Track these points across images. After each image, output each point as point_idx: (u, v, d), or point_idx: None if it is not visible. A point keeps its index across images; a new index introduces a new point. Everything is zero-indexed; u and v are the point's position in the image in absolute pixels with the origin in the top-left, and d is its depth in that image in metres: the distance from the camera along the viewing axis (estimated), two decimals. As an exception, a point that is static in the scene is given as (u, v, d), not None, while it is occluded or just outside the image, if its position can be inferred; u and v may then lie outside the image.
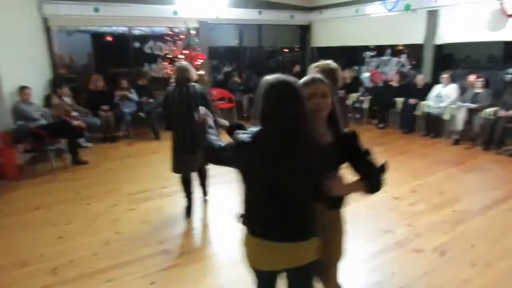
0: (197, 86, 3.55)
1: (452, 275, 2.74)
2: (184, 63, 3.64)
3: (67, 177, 5.08)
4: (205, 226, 3.68)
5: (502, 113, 5.78)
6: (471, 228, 3.47)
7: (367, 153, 1.66)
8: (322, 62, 2.79)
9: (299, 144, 1.44)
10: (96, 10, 7.04)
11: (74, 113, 6.32)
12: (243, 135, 1.50)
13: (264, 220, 1.54)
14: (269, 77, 1.48)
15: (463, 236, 3.33)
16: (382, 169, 1.65)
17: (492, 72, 7.25)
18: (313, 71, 2.77)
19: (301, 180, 1.48)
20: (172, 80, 7.30)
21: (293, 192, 1.49)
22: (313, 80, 1.64)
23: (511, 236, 3.30)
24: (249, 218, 1.59)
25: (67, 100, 6.44)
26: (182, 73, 3.53)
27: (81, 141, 6.25)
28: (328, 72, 2.70)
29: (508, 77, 7.52)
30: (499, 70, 7.58)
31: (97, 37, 8.20)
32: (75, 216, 3.87)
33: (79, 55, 8.21)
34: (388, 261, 2.94)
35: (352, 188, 1.61)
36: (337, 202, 1.77)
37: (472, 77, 6.61)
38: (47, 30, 6.95)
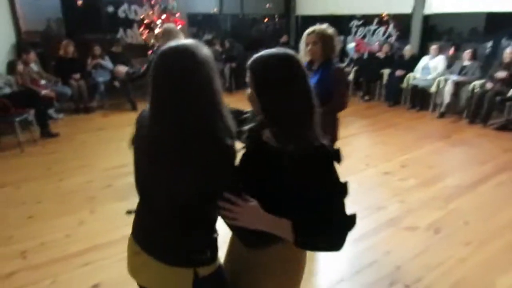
0: None
1: (448, 254, 2.65)
2: (171, 25, 3.27)
3: (36, 151, 4.70)
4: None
5: (489, 85, 5.71)
6: (463, 204, 3.40)
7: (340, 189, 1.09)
8: (318, 27, 2.53)
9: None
10: (63, -33, 6.39)
11: (42, 82, 5.83)
12: None
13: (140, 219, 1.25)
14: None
15: (456, 212, 3.25)
16: (352, 220, 1.08)
17: (474, 45, 7.16)
18: (306, 38, 2.53)
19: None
20: (157, 45, 6.90)
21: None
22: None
23: (503, 212, 3.25)
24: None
25: (34, 67, 5.92)
26: (171, 37, 3.16)
27: (51, 112, 5.80)
28: (325, 39, 2.46)
29: (487, 50, 7.48)
30: (481, 43, 7.51)
31: (67, 2, 7.53)
32: (45, 193, 3.57)
33: (48, 19, 7.55)
34: (382, 240, 2.83)
35: (272, 225, 1.07)
36: (254, 240, 1.15)
37: (451, 51, 6.53)
38: (9, -11, 6.27)
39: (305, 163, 1.03)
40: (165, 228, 1.15)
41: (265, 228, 1.07)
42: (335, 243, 1.07)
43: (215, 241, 1.20)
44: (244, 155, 1.21)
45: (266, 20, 10.25)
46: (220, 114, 1.05)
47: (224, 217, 1.09)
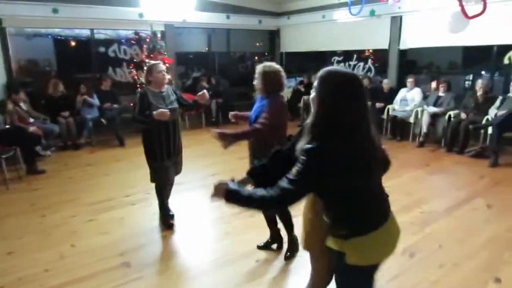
0: (171, 86, 3.56)
1: (422, 276, 2.71)
2: (158, 62, 3.47)
3: (21, 187, 4.73)
4: (168, 235, 3.49)
5: (463, 115, 5.97)
6: (438, 229, 3.49)
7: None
8: (262, 65, 2.85)
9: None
10: (55, 11, 6.71)
11: (31, 120, 5.95)
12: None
13: (371, 212, 1.57)
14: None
15: (431, 236, 3.34)
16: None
17: (453, 77, 7.53)
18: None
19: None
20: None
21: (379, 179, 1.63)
22: None
23: (476, 235, 3.35)
24: (360, 220, 1.55)
25: (23, 106, 6.06)
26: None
27: (38, 149, 5.88)
28: (264, 75, 2.79)
29: (467, 82, 7.85)
30: (459, 75, 7.90)
31: (59, 41, 7.86)
32: (28, 229, 3.58)
33: (40, 59, 7.80)
34: (358, 265, 2.88)
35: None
36: None
37: (434, 84, 6.84)
38: (2, 31, 6.55)
39: None
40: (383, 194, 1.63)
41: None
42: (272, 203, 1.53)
43: None
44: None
45: (254, 56, 10.63)
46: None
47: None
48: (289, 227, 2.98)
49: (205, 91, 3.40)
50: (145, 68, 7.16)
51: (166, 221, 3.58)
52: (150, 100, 3.23)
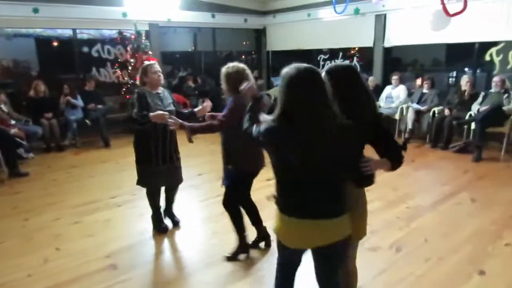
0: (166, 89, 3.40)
1: (408, 271, 2.74)
2: (153, 62, 3.33)
3: (3, 191, 4.63)
4: (156, 236, 3.44)
5: (447, 112, 6.06)
6: (424, 223, 3.54)
7: (390, 133, 1.87)
8: (226, 66, 2.86)
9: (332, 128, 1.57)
10: (36, 10, 6.56)
11: (12, 122, 5.82)
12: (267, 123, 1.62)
13: (300, 200, 1.64)
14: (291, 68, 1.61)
15: (417, 231, 3.38)
16: (404, 147, 1.91)
17: (437, 74, 7.65)
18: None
19: (335, 161, 1.61)
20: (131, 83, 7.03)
21: (327, 172, 1.62)
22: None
23: (460, 229, 3.40)
24: (284, 199, 1.69)
25: (4, 107, 5.91)
26: None
27: (21, 151, 5.75)
28: (225, 77, 2.80)
29: (451, 79, 7.99)
30: (443, 72, 8.03)
31: (40, 42, 7.69)
32: (10, 233, 3.50)
33: (21, 60, 7.62)
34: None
35: (381, 165, 1.79)
36: (368, 180, 1.84)
37: (419, 81, 6.93)
38: (-20, 32, 6.38)
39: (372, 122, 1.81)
40: (327, 191, 1.64)
41: (382, 167, 1.80)
42: (402, 159, 1.84)
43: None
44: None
45: (240, 55, 10.61)
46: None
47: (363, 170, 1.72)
48: (259, 221, 3.04)
49: (206, 104, 3.22)
50: (129, 68, 7.25)
51: (158, 225, 3.45)
52: (148, 101, 3.06)
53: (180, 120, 2.76)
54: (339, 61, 8.69)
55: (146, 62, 3.32)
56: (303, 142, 1.55)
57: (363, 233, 1.98)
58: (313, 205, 1.63)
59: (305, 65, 1.61)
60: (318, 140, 1.56)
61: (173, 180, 3.39)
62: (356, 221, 1.83)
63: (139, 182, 3.31)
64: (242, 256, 2.97)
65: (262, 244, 3.12)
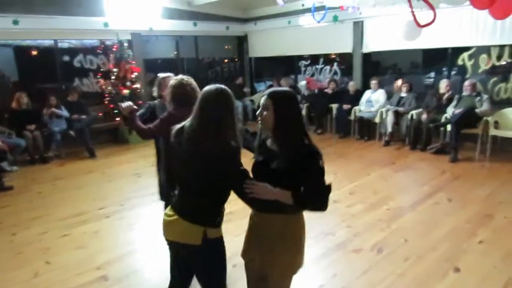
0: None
1: (389, 270, 2.89)
2: (168, 75, 3.21)
3: (-13, 206, 4.59)
4: (146, 245, 3.50)
5: (424, 115, 6.30)
6: (404, 224, 3.71)
7: (319, 176, 1.67)
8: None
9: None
10: (16, 22, 6.51)
11: (-6, 135, 5.76)
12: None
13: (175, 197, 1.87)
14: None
15: (397, 232, 3.54)
16: (328, 188, 1.67)
17: (414, 77, 7.92)
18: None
19: (201, 179, 1.74)
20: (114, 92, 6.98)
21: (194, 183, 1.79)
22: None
23: (438, 228, 3.58)
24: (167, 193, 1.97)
25: (-15, 120, 5.85)
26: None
27: (4, 164, 5.68)
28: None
29: (428, 81, 8.28)
30: (420, 75, 8.32)
31: (20, 51, 7.60)
32: (-3, 248, 3.50)
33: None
34: (330, 264, 3.03)
35: (272, 194, 1.64)
36: (254, 204, 1.79)
37: (399, 82, 7.17)
38: (-42, 44, 6.28)
39: (303, 158, 1.66)
40: (194, 200, 1.79)
41: (273, 196, 1.64)
42: (320, 205, 1.68)
43: (222, 213, 1.85)
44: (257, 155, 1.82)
45: (225, 61, 10.72)
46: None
47: (245, 195, 1.66)
48: None
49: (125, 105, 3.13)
50: (112, 77, 7.24)
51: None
52: (156, 114, 2.97)
53: (135, 107, 2.64)
54: (319, 66, 8.92)
55: (160, 75, 3.26)
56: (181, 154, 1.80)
57: (292, 267, 1.80)
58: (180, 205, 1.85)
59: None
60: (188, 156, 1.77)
61: None
62: (281, 256, 1.75)
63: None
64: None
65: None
